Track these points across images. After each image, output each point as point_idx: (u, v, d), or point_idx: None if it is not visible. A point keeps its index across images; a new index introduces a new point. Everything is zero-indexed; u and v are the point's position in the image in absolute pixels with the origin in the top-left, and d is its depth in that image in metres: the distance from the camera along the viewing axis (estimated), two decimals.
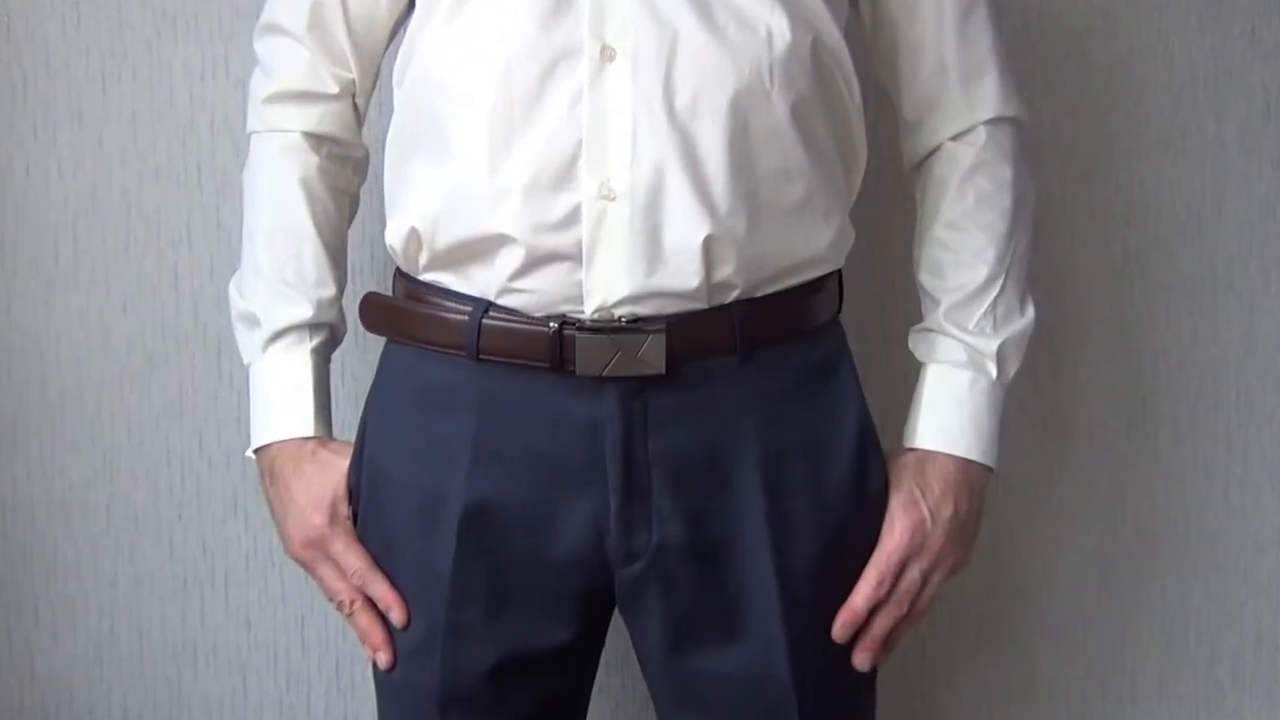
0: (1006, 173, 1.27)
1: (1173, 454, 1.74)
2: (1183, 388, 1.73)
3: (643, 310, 1.13)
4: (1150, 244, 1.71)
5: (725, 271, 1.14)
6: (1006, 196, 1.26)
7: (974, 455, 1.24)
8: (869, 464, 1.22)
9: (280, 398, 1.27)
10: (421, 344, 1.20)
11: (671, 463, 1.16)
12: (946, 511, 1.22)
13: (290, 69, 1.28)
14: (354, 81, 1.29)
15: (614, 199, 1.11)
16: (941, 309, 1.26)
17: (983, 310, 1.25)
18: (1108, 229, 1.70)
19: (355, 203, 1.35)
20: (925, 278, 1.29)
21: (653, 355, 1.13)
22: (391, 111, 1.22)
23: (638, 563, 1.17)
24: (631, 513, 1.16)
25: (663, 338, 1.13)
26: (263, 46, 1.30)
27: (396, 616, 1.21)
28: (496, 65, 1.12)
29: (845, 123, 1.21)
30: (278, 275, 1.27)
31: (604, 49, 1.11)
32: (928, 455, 1.24)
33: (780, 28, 1.13)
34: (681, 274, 1.13)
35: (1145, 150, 1.69)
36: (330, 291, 1.28)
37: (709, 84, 1.11)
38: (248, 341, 1.29)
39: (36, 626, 1.63)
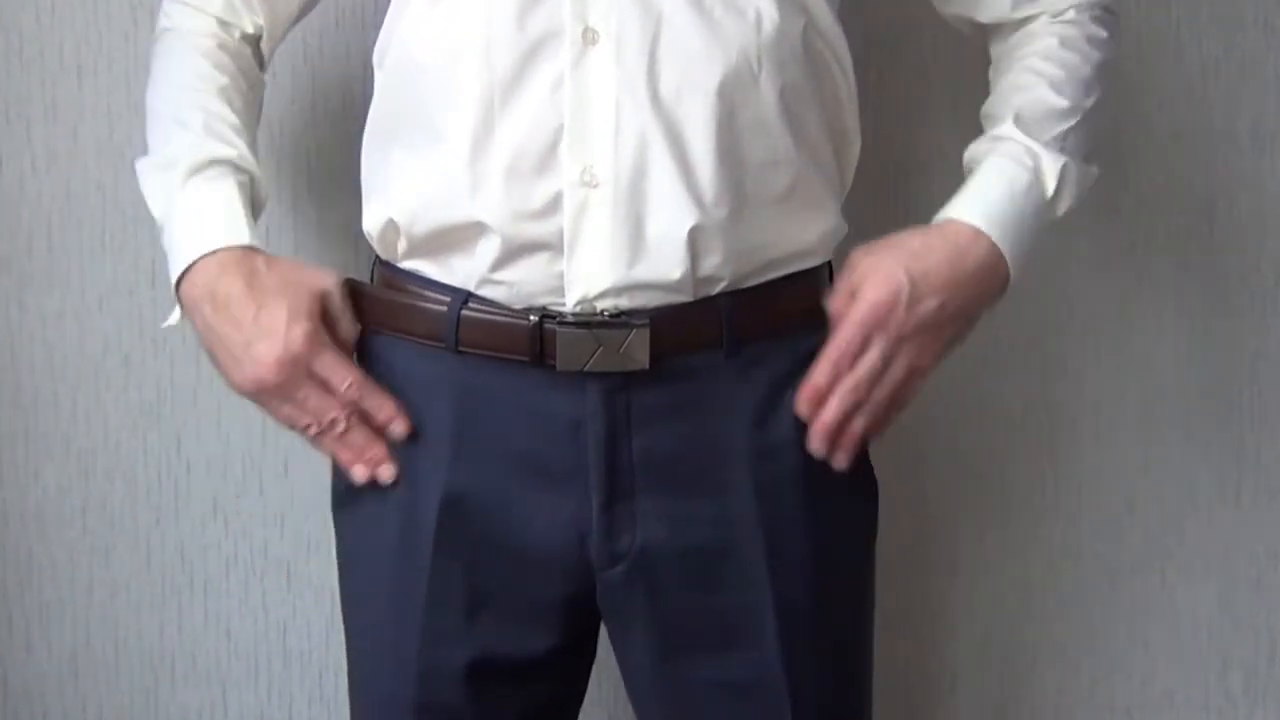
0: (1101, 32, 1.24)
1: (1183, 456, 1.73)
2: (1194, 388, 1.72)
3: (626, 303, 1.11)
4: (1160, 241, 1.70)
5: (711, 262, 1.12)
6: (1095, 51, 1.23)
7: (1005, 243, 1.15)
8: (862, 462, 1.20)
9: (211, 212, 1.15)
10: (399, 334, 1.18)
11: (656, 462, 1.14)
12: (931, 302, 1.13)
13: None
14: (263, 29, 1.27)
15: (596, 186, 1.09)
16: (1012, 117, 1.19)
17: (1056, 131, 1.19)
18: (1116, 225, 1.69)
19: (260, 107, 1.29)
20: (993, 107, 1.22)
21: (636, 350, 1.11)
22: (370, 98, 1.21)
23: (620, 566, 1.16)
24: (614, 514, 1.15)
25: (646, 332, 1.11)
26: None
27: (399, 428, 1.14)
28: (476, 48, 1.11)
29: (838, 111, 1.20)
30: (196, 128, 1.18)
31: (586, 31, 1.10)
32: (949, 222, 1.16)
33: (769, 12, 1.11)
34: (666, 265, 1.11)
35: (1154, 145, 1.68)
36: (251, 139, 1.21)
37: (695, 69, 1.10)
38: (161, 186, 1.17)
39: (9, 636, 1.61)
